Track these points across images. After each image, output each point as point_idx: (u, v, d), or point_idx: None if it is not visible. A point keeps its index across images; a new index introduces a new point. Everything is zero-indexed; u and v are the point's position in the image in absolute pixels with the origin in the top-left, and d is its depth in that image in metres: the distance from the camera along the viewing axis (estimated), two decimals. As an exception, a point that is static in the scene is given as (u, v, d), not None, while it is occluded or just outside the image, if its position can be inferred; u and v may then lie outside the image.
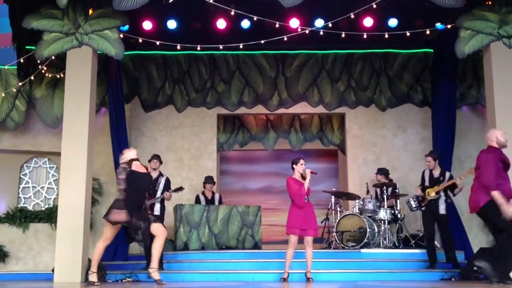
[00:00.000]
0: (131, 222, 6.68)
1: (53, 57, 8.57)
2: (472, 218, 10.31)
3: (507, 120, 7.86)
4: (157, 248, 6.82)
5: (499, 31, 8.09)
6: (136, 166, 6.85)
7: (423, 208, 8.54)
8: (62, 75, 9.36)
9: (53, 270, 7.86)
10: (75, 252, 7.69)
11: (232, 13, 8.37)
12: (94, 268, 6.86)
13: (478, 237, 10.17)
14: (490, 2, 8.33)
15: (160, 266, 8.19)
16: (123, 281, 7.70)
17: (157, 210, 8.50)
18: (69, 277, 7.58)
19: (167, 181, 8.75)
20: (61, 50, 8.38)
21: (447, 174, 8.70)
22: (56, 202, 9.40)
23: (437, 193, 8.43)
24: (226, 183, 12.13)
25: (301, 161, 7.63)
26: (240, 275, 8.00)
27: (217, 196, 10.09)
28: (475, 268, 7.37)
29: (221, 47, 9.31)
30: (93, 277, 6.80)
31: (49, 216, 10.17)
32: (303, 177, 7.57)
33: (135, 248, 9.96)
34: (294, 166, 7.63)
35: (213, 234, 9.23)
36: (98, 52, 8.55)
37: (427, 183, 8.56)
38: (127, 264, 9.00)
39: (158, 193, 8.53)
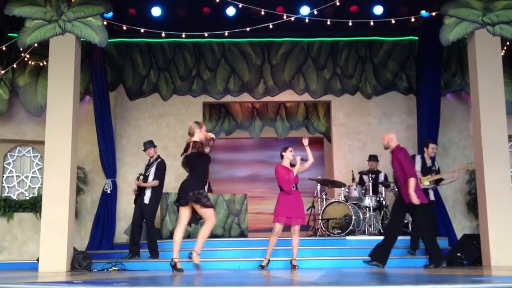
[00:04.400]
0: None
1: (36, 45, 8.48)
2: (456, 205, 10.47)
3: (491, 108, 7.95)
4: (204, 233, 6.83)
5: (483, 18, 8.14)
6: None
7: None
8: (45, 63, 9.25)
9: (38, 260, 7.81)
10: (60, 241, 7.65)
11: (217, 0, 8.31)
12: (176, 254, 6.80)
13: (462, 223, 10.29)
14: (474, -10, 8.37)
15: (155, 255, 8.19)
16: (109, 269, 7.68)
17: (146, 198, 8.38)
18: (54, 266, 7.55)
19: (159, 165, 8.54)
20: (44, 38, 8.28)
21: (437, 164, 8.81)
22: (41, 191, 9.35)
23: (431, 182, 8.50)
24: (212, 172, 12.08)
25: (290, 149, 7.70)
26: (226, 263, 8.02)
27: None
28: (458, 254, 7.50)
29: (206, 35, 9.25)
30: (179, 264, 6.76)
31: (34, 205, 10.09)
32: (292, 165, 7.60)
33: (121, 237, 9.94)
34: (283, 153, 7.67)
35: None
36: (82, 39, 8.45)
37: (418, 170, 8.59)
38: (113, 253, 8.98)
39: (150, 179, 8.45)
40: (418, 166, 8.67)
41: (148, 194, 8.36)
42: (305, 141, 7.62)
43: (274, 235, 7.57)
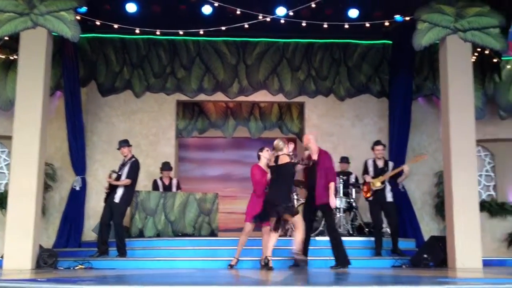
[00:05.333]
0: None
1: (6, 38, 8.29)
2: (424, 207, 10.63)
3: (460, 112, 8.07)
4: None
5: (455, 24, 8.24)
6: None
7: (370, 198, 8.71)
8: (15, 57, 9.07)
9: (2, 257, 7.65)
10: (25, 238, 7.51)
11: (193, -2, 8.27)
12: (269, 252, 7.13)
13: (429, 225, 10.45)
14: (447, -4, 8.49)
15: (123, 254, 8.10)
16: (76, 268, 7.56)
17: (117, 197, 8.22)
18: (19, 264, 7.39)
19: (132, 164, 8.40)
20: (15, 31, 8.10)
21: (390, 164, 8.93)
22: (8, 188, 9.15)
23: (383, 182, 8.62)
24: (184, 170, 12.07)
25: (266, 148, 7.72)
26: (196, 262, 7.98)
27: (174, 182, 10.03)
28: (424, 256, 7.60)
29: (181, 32, 9.19)
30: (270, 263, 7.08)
31: (0, 201, 9.89)
32: (269, 166, 7.62)
33: (89, 235, 9.82)
34: (260, 153, 7.68)
35: (169, 221, 9.17)
36: (54, 33, 8.31)
37: (371, 174, 8.75)
38: (80, 251, 8.86)
39: (123, 178, 8.33)
40: (371, 170, 8.80)
41: (119, 193, 8.25)
42: (291, 147, 7.63)
43: (244, 235, 7.57)
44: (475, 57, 9.26)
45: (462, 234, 7.72)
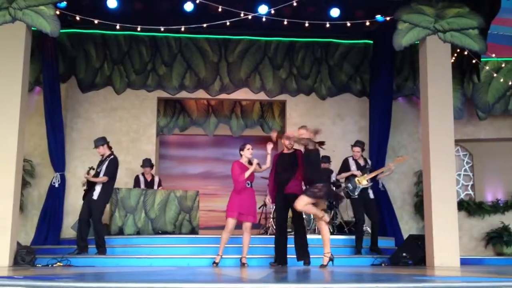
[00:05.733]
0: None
1: (-17, 32, 8.14)
2: (404, 206, 10.73)
3: (439, 112, 8.15)
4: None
5: (435, 25, 8.31)
6: None
7: (356, 196, 8.75)
8: (-7, 51, 8.90)
9: (-21, 254, 7.53)
10: (2, 235, 7.39)
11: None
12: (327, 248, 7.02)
13: (408, 224, 10.55)
14: (427, -3, 8.56)
15: (103, 252, 8.03)
16: (54, 265, 7.48)
17: (95, 194, 8.13)
18: (-4, 261, 7.29)
19: (110, 162, 8.27)
20: (-7, 25, 7.97)
21: (369, 161, 9.06)
22: (-15, 184, 9.01)
23: (368, 180, 8.70)
24: (165, 168, 12.02)
25: (248, 146, 7.73)
26: (176, 260, 7.95)
27: (156, 179, 9.98)
28: (403, 254, 7.68)
29: (162, 29, 9.14)
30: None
31: (-23, 198, 9.72)
32: (250, 163, 7.63)
33: (68, 232, 9.72)
34: (241, 151, 7.69)
35: (149, 218, 9.12)
36: (33, 28, 8.20)
37: (355, 170, 8.80)
38: (59, 248, 8.77)
39: (101, 175, 8.23)
40: (354, 168, 8.86)
41: (97, 190, 8.14)
42: (269, 147, 7.60)
43: (226, 231, 7.56)
44: (454, 58, 9.36)
45: (440, 233, 7.81)
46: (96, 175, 8.21)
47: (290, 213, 7.69)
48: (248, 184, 7.58)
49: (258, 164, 7.63)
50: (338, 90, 11.19)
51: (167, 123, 11.62)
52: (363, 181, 8.71)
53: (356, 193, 8.73)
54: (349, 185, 8.95)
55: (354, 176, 8.80)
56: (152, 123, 10.90)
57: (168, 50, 10.93)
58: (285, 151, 7.67)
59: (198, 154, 12.29)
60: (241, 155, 7.68)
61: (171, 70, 10.94)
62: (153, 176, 9.97)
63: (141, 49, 10.89)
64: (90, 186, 8.23)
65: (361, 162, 8.89)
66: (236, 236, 7.80)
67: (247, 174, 7.48)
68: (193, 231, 9.31)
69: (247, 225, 7.57)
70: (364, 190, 8.72)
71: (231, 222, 7.51)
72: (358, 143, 9.01)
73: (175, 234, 9.13)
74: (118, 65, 10.86)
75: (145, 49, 10.89)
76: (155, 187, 9.81)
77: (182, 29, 8.96)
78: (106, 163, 8.25)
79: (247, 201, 7.56)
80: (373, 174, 8.80)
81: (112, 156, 8.36)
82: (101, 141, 8.39)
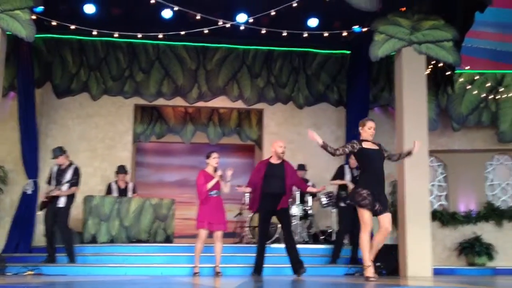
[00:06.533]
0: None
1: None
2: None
3: (414, 123, 8.23)
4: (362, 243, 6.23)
5: (411, 37, 8.41)
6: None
7: (345, 204, 8.66)
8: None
9: None
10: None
11: (153, 1, 8.20)
12: (368, 262, 6.17)
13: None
14: (404, 9, 8.67)
15: (73, 260, 7.90)
16: (25, 274, 7.34)
17: (61, 202, 8.03)
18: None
19: (75, 170, 8.16)
20: (-34, 29, 7.84)
21: None
22: (-45, 190, 8.83)
23: None
24: (141, 175, 11.91)
25: (214, 155, 7.69)
26: (150, 269, 7.87)
27: (130, 186, 9.85)
28: (377, 264, 7.70)
29: (139, 36, 9.09)
30: (369, 272, 6.12)
31: None
32: (216, 171, 7.59)
33: (40, 240, 9.54)
34: (207, 160, 7.67)
35: (123, 226, 9.02)
36: (8, 33, 8.08)
37: (348, 180, 8.77)
38: (31, 256, 8.61)
39: (66, 185, 8.07)
40: (348, 177, 8.88)
41: (63, 198, 8.04)
42: (229, 173, 7.54)
43: (199, 242, 7.52)
44: (429, 69, 9.49)
45: (413, 243, 7.87)
46: (58, 183, 8.04)
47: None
48: (215, 193, 7.56)
49: (221, 176, 7.60)
50: (315, 99, 11.25)
51: (144, 130, 11.54)
52: None
53: (347, 202, 8.71)
54: (343, 192, 8.92)
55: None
56: (128, 130, 10.81)
57: (146, 56, 10.87)
58: (274, 160, 7.53)
59: (174, 162, 12.22)
60: (207, 164, 7.65)
61: (149, 77, 10.88)
62: (127, 183, 9.86)
63: (119, 55, 10.81)
64: (51, 200, 8.08)
65: (356, 172, 8.85)
66: (209, 245, 7.75)
67: (209, 185, 7.47)
68: (168, 239, 9.23)
69: (218, 234, 7.55)
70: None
71: (202, 232, 7.48)
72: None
73: (149, 242, 9.04)
74: (95, 71, 10.76)
75: (123, 56, 10.81)
76: (129, 193, 9.69)
77: (160, 36, 8.93)
78: (70, 172, 8.12)
79: (216, 210, 7.55)
80: None
81: (74, 165, 8.25)
82: (59, 151, 8.22)
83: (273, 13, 8.42)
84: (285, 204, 7.42)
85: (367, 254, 6.18)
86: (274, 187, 7.35)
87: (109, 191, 9.65)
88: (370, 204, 6.11)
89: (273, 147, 7.58)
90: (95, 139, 10.58)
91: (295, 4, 8.28)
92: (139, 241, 8.99)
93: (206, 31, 8.76)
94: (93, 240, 8.78)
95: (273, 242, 8.97)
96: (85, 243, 8.68)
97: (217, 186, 7.55)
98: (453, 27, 8.49)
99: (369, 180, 6.20)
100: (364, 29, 8.97)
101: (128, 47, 10.80)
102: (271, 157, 7.63)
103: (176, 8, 8.44)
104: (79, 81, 10.69)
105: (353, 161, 8.83)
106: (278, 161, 7.51)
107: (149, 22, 9.40)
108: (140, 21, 9.54)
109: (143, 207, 9.20)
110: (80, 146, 10.41)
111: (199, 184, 7.50)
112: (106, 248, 8.64)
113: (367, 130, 6.35)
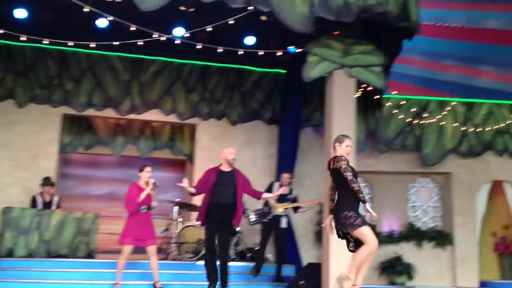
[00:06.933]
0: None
1: None
2: (306, 234, 10.91)
3: (343, 144, 8.38)
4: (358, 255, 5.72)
5: (343, 60, 8.59)
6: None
7: (266, 220, 8.71)
8: None
9: None
10: None
11: (86, 9, 7.99)
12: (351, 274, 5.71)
13: (309, 252, 10.68)
14: (337, 33, 8.89)
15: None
16: None
17: None
18: None
19: None
20: None
21: (294, 192, 9.07)
22: None
23: (286, 209, 8.75)
24: (66, 187, 11.48)
25: (147, 169, 7.58)
26: (70, 285, 7.62)
27: (55, 199, 9.48)
28: (301, 282, 7.77)
29: (70, 44, 8.83)
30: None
31: None
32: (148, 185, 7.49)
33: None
34: (140, 173, 7.57)
35: (43, 240, 8.63)
36: None
37: (275, 197, 8.79)
38: None
39: None
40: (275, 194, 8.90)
41: None
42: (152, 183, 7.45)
43: (122, 258, 7.33)
44: (360, 93, 9.76)
45: (337, 261, 7.93)
46: None
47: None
48: (144, 209, 7.41)
49: (154, 183, 7.49)
50: (249, 117, 11.29)
51: (72, 140, 11.16)
52: (279, 208, 8.71)
53: (267, 218, 8.73)
54: (266, 208, 8.91)
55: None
56: (54, 140, 10.42)
57: (78, 65, 10.56)
58: (224, 168, 7.31)
59: (102, 175, 11.87)
60: (139, 177, 7.51)
61: (79, 86, 10.55)
62: (52, 196, 9.48)
63: (48, 62, 10.44)
64: None
65: (286, 190, 8.82)
66: (133, 261, 7.56)
67: (142, 196, 7.31)
68: (90, 255, 8.92)
69: (151, 249, 7.40)
70: (278, 218, 8.73)
71: (126, 248, 7.28)
72: (289, 170, 9.08)
73: (70, 257, 8.70)
74: (22, 78, 10.33)
75: (53, 63, 10.45)
76: (53, 207, 9.32)
77: (92, 45, 8.71)
78: None
79: (144, 226, 7.41)
80: (294, 205, 8.86)
81: None
82: None
83: (209, 28, 8.41)
84: (238, 221, 7.22)
85: (356, 266, 5.80)
86: (224, 197, 7.10)
87: (33, 204, 9.24)
88: (363, 218, 5.72)
89: (223, 154, 7.35)
90: (17, 147, 10.12)
91: (232, 22, 8.31)
92: (59, 256, 8.64)
93: (140, 43, 8.63)
94: (10, 254, 8.35)
95: (199, 259, 8.86)
96: (1, 257, 8.24)
97: (147, 201, 7.42)
98: (382, 53, 8.76)
99: (354, 200, 5.75)
100: (299, 50, 9.13)
101: (59, 55, 10.46)
102: (221, 164, 7.36)
103: (110, 18, 8.27)
104: (4, 87, 10.22)
105: (285, 180, 8.88)
106: (229, 169, 7.28)
107: (83, 31, 9.18)
108: (73, 29, 9.29)
109: (65, 220, 8.86)
110: (2, 155, 9.94)
111: (131, 195, 7.34)
112: (24, 262, 8.24)
113: (345, 148, 5.91)
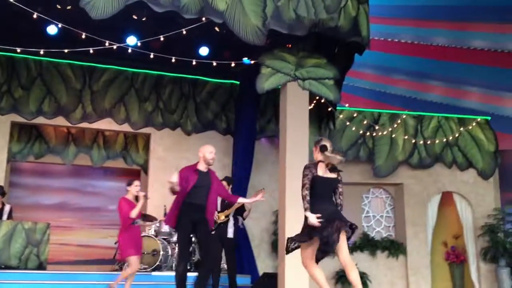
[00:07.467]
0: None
1: None
2: (261, 244, 10.97)
3: (296, 155, 8.50)
4: None
5: (296, 72, 8.75)
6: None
7: (213, 232, 8.73)
8: None
9: None
10: None
11: (35, 16, 7.86)
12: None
13: (265, 262, 10.75)
14: (290, 45, 9.05)
15: None
16: None
17: None
18: None
19: None
20: None
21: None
22: None
23: (227, 216, 8.76)
24: (16, 197, 11.15)
25: (136, 183, 7.58)
26: (19, 298, 7.38)
27: (7, 209, 9.20)
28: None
29: (18, 50, 8.65)
30: None
31: None
32: (137, 199, 7.44)
33: None
34: (128, 187, 7.52)
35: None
36: None
37: (218, 208, 8.81)
38: None
39: None
40: (218, 204, 8.89)
41: None
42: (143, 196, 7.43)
43: (131, 269, 7.39)
44: (313, 105, 9.93)
45: (292, 271, 8.02)
46: None
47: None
48: (137, 222, 7.51)
49: (145, 196, 7.48)
50: (204, 127, 11.30)
51: (21, 149, 10.90)
52: (222, 216, 8.72)
53: (212, 229, 8.69)
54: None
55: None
56: (3, 148, 10.13)
57: (27, 72, 10.32)
58: (202, 168, 6.69)
59: (53, 184, 11.59)
60: (127, 191, 7.49)
61: (29, 93, 10.30)
62: (3, 205, 9.21)
63: (-4, 69, 10.19)
64: None
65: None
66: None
67: (136, 209, 7.33)
68: (41, 266, 8.70)
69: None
70: (223, 227, 8.73)
71: (133, 259, 7.32)
72: (226, 178, 9.07)
73: (20, 269, 8.46)
74: (-33, 85, 10.03)
75: (1, 70, 10.18)
76: (5, 216, 9.05)
77: (42, 52, 8.56)
78: None
79: (138, 237, 7.59)
80: (231, 210, 8.85)
81: None
82: None
83: (162, 38, 8.40)
84: (211, 224, 6.80)
85: None
86: (198, 198, 6.54)
87: (-17, 214, 8.96)
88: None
89: (202, 152, 6.68)
90: (-36, 156, 9.80)
91: (185, 32, 8.33)
92: (8, 267, 8.38)
93: (91, 51, 8.53)
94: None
95: (154, 270, 8.77)
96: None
97: (138, 214, 7.49)
98: (334, 67, 8.97)
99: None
100: (253, 62, 9.22)
101: (7, 61, 10.19)
102: (197, 163, 6.74)
103: (60, 25, 8.15)
104: (-52, 94, 9.91)
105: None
106: (206, 169, 6.71)
107: (32, 37, 8.99)
108: (22, 35, 9.08)
109: (15, 230, 8.62)
110: None
111: (124, 211, 7.32)
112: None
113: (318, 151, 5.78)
